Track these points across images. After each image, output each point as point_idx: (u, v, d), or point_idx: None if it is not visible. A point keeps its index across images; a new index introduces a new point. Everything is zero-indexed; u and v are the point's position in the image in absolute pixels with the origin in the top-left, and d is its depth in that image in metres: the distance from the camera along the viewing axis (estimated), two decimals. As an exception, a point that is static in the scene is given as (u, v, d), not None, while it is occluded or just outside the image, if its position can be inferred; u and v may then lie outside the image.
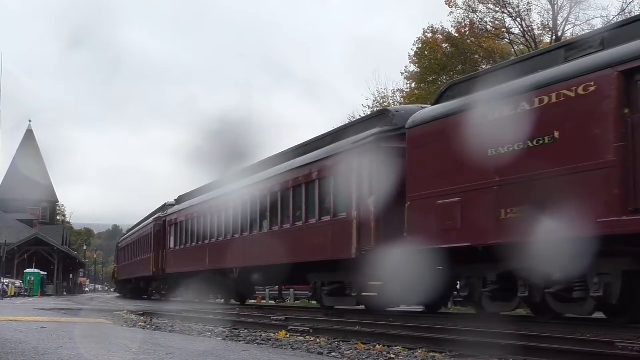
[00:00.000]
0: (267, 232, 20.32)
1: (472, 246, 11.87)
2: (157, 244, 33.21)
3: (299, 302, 33.61)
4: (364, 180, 15.06)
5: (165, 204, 34.19)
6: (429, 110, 13.61)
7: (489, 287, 12.16)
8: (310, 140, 19.61)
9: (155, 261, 32.99)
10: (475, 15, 36.48)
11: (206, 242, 25.52)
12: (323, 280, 17.77)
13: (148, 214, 41.39)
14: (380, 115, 16.46)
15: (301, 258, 18.03)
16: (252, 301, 33.63)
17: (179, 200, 31.34)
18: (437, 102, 13.66)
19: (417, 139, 13.21)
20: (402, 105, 29.31)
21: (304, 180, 18.06)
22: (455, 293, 15.41)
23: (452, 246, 12.17)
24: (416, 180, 13.05)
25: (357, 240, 14.96)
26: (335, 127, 23.60)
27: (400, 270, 12.75)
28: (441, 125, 12.62)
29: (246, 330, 10.18)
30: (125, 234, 52.16)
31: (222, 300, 28.63)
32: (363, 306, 17.00)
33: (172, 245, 30.70)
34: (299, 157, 18.94)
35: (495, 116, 11.33)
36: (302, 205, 18.13)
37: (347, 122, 24.08)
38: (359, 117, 34.96)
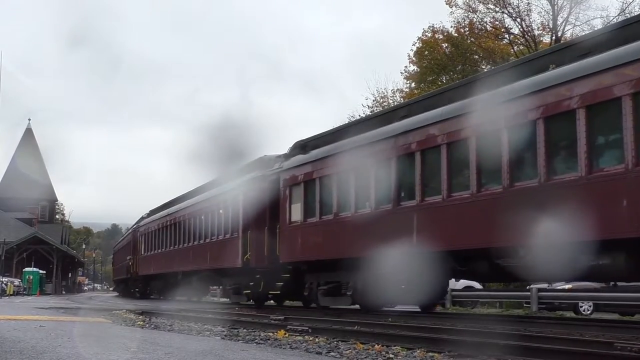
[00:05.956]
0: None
1: None
2: (251, 220, 21.48)
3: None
4: None
5: (264, 157, 21.09)
6: None
7: None
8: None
9: (255, 244, 21.21)
10: (475, 15, 36.57)
11: (411, 202, 14.21)
12: None
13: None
14: None
15: None
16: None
17: (305, 147, 19.13)
18: None
19: None
20: None
21: None
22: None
23: None
24: None
25: None
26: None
27: None
28: None
29: (245, 330, 10.17)
30: (150, 216, 38.95)
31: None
32: None
33: (299, 217, 18.45)
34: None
35: None
36: None
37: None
38: (359, 117, 34.47)
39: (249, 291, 22.10)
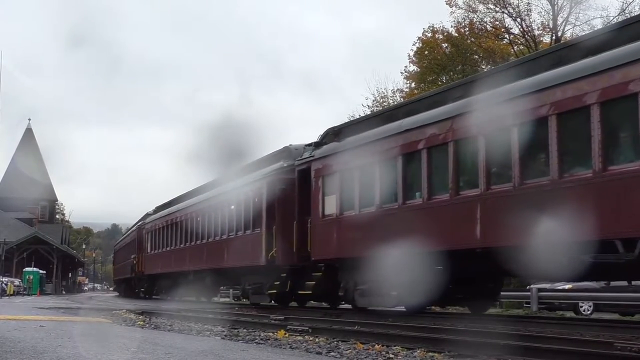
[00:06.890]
0: None
1: None
2: (277, 214, 19.41)
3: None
4: None
5: (289, 146, 19.84)
6: None
7: None
8: None
9: (281, 240, 19.05)
10: (475, 15, 36.59)
11: (473, 191, 12.34)
12: None
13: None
14: None
15: None
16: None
17: (339, 134, 17.43)
18: None
19: None
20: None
21: None
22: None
23: None
24: None
25: None
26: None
27: None
28: None
29: (245, 330, 10.16)
30: (157, 212, 36.60)
31: None
32: None
33: (334, 210, 16.53)
34: None
35: None
36: None
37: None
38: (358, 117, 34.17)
39: (273, 291, 19.83)
